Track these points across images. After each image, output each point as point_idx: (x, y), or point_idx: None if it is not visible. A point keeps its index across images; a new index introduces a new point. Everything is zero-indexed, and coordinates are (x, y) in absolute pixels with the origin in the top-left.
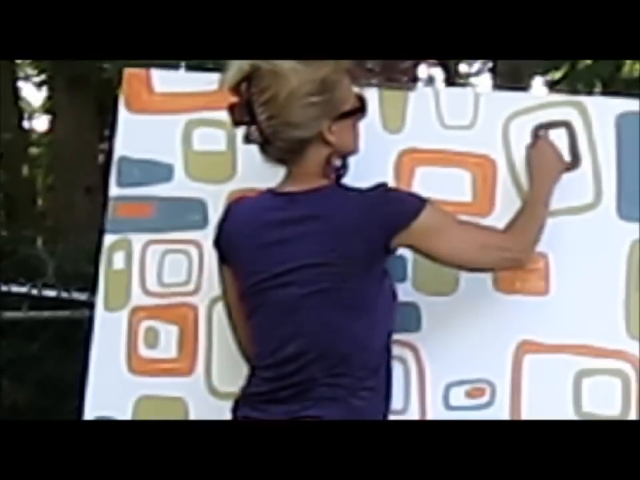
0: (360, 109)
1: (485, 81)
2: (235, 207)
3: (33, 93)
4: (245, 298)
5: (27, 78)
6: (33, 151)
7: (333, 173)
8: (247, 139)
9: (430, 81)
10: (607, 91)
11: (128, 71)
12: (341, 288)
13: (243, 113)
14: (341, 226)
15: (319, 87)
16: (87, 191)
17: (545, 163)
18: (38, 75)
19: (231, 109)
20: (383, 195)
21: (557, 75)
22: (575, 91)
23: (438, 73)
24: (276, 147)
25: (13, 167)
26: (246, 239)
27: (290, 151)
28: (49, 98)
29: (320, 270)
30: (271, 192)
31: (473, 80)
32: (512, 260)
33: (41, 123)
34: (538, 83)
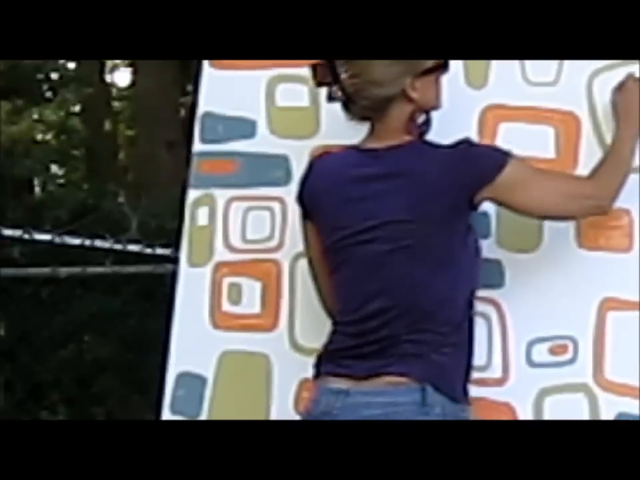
0: (442, 64)
1: None
2: (318, 163)
3: None
4: (328, 254)
5: None
6: (115, 104)
7: (416, 130)
8: (330, 98)
9: None
10: None
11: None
12: (425, 244)
13: (325, 73)
14: (425, 182)
15: None
16: (170, 146)
17: (632, 107)
18: None
19: (314, 69)
20: (466, 150)
21: None
22: None
23: None
24: (359, 105)
25: (95, 121)
26: (329, 195)
27: (373, 108)
28: None
29: (404, 226)
30: (354, 148)
31: None
32: (596, 207)
33: (123, 77)
34: None
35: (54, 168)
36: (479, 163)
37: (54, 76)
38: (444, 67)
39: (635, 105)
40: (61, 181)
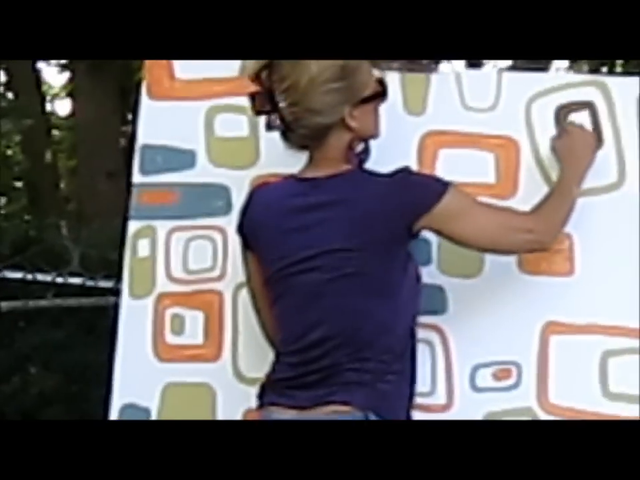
0: (381, 93)
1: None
2: (258, 193)
3: (54, 76)
4: (269, 284)
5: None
6: (56, 134)
7: (355, 158)
8: (269, 127)
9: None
10: (629, 71)
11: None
12: (365, 273)
13: (264, 102)
14: (364, 211)
15: (339, 72)
16: (110, 176)
17: (577, 149)
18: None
19: (252, 98)
20: (405, 179)
21: None
22: (595, 70)
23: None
24: (298, 134)
25: (35, 152)
26: (269, 225)
27: (312, 137)
28: (71, 80)
29: (344, 255)
30: (293, 177)
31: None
32: (535, 242)
33: (63, 106)
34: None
35: None
36: (416, 192)
37: None
38: (382, 95)
39: (580, 146)
40: (2, 211)
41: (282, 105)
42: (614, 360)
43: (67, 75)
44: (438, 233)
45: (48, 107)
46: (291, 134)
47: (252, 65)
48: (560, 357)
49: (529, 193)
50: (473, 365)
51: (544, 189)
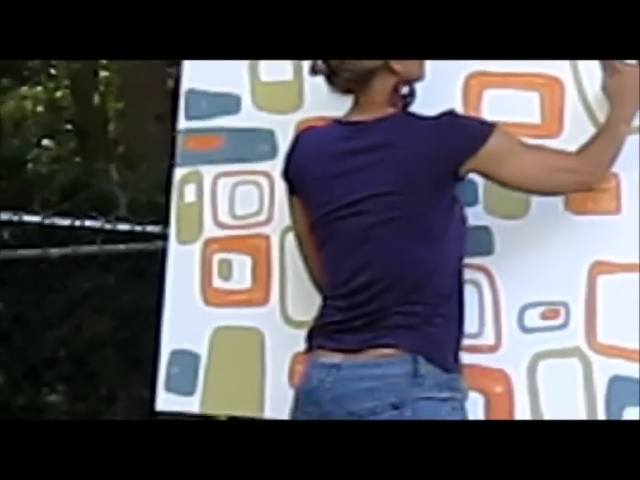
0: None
1: None
2: (303, 138)
3: None
4: (316, 229)
5: None
6: (104, 75)
7: (400, 101)
8: (314, 71)
9: None
10: None
11: None
12: (411, 216)
13: None
14: (410, 154)
15: None
16: (158, 118)
17: (627, 89)
18: None
19: None
20: (451, 122)
21: None
22: None
23: None
24: (342, 78)
25: (83, 95)
26: (315, 170)
27: (356, 81)
28: None
29: (389, 199)
30: (338, 121)
31: None
32: (581, 182)
33: None
34: None
35: (45, 142)
36: (462, 135)
37: None
38: None
39: (630, 87)
40: (52, 154)
41: None
42: None
43: None
44: (483, 175)
45: None
46: (336, 78)
47: None
48: (608, 296)
49: (574, 132)
50: (521, 305)
51: (589, 129)
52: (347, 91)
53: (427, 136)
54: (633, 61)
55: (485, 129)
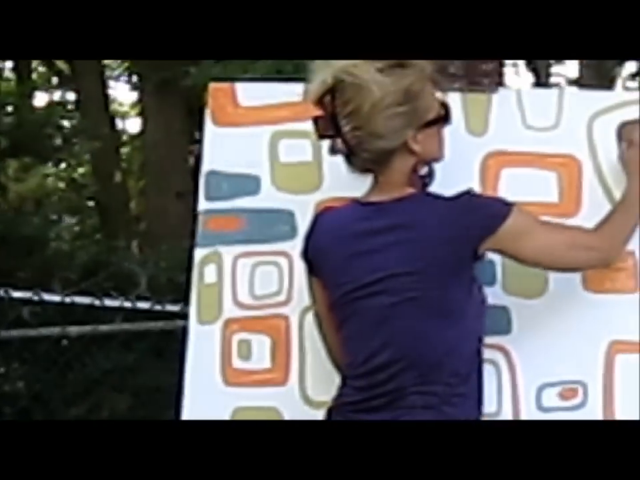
0: (444, 116)
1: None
2: (322, 218)
3: (125, 93)
4: (335, 308)
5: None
6: (125, 151)
7: (419, 181)
8: (333, 151)
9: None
10: None
11: (213, 86)
12: (430, 296)
13: (327, 126)
14: (429, 234)
15: (402, 97)
16: (179, 196)
17: None
18: (128, 77)
19: (315, 122)
20: (469, 201)
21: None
22: None
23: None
24: (361, 158)
25: (105, 172)
26: (334, 250)
27: (375, 161)
28: (140, 100)
29: (409, 279)
30: (357, 202)
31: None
32: (599, 259)
33: (133, 124)
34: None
35: (66, 219)
36: (481, 215)
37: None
38: (446, 119)
39: None
40: (73, 231)
41: (345, 129)
42: None
43: (136, 93)
44: (502, 253)
45: (119, 124)
46: (355, 158)
47: (315, 89)
48: (626, 375)
49: (592, 211)
50: (539, 384)
51: (607, 207)
52: (366, 170)
53: (446, 216)
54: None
55: (504, 208)
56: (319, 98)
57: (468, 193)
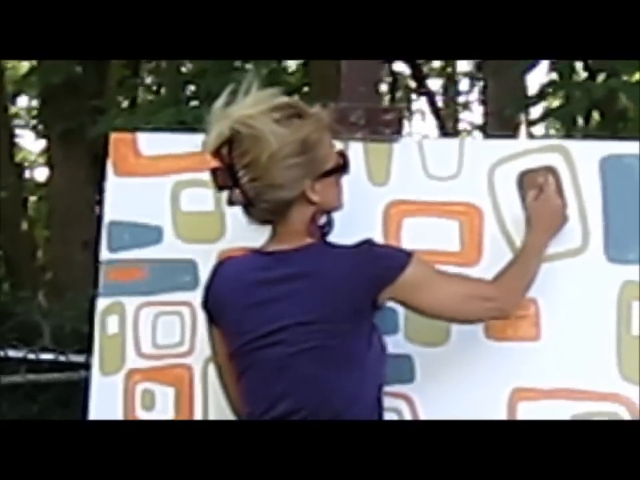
0: (342, 166)
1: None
2: (221, 268)
3: (32, 142)
4: (235, 358)
5: (25, 126)
6: (32, 199)
7: (318, 231)
8: (231, 202)
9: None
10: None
11: (114, 135)
12: (330, 345)
13: (225, 177)
14: (328, 284)
15: (299, 147)
16: (85, 245)
17: (547, 215)
18: (35, 126)
19: (214, 173)
20: (368, 251)
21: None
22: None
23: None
24: (260, 209)
25: (11, 222)
26: (233, 300)
27: (274, 212)
28: (47, 149)
29: (308, 328)
30: (256, 251)
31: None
32: (497, 310)
33: (41, 173)
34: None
35: None
36: (380, 264)
37: None
38: (344, 168)
39: (549, 213)
40: None
41: (243, 180)
42: None
43: (44, 142)
44: (401, 303)
45: (27, 174)
46: (253, 209)
47: (212, 140)
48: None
49: (493, 260)
50: None
51: (508, 256)
52: (265, 221)
53: (345, 266)
54: (552, 186)
55: (403, 257)
56: (216, 149)
57: (367, 243)
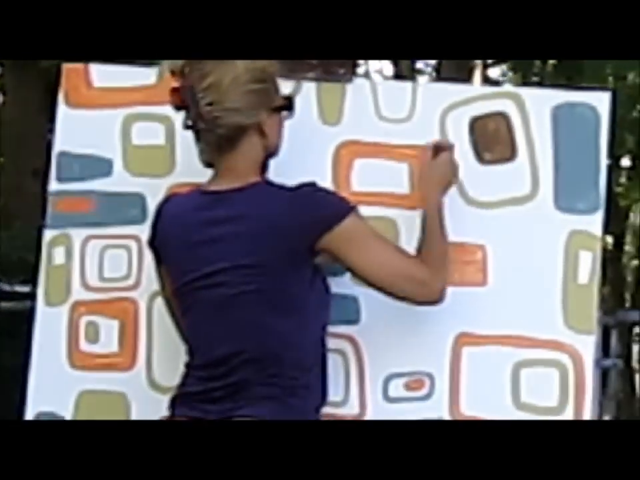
0: (289, 104)
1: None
2: (165, 206)
3: None
4: (178, 296)
5: None
6: None
7: (261, 169)
8: (187, 126)
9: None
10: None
11: (66, 66)
12: (269, 289)
13: (185, 97)
14: (267, 227)
15: (259, 75)
16: (35, 174)
17: (436, 176)
18: None
19: (173, 92)
20: (310, 195)
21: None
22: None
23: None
24: (215, 134)
25: None
26: (176, 239)
27: (228, 138)
28: (0, 76)
29: (249, 270)
30: (199, 190)
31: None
32: (429, 296)
33: None
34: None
35: None
36: (320, 210)
37: None
38: (290, 108)
39: (439, 175)
40: None
41: (202, 102)
42: (526, 371)
43: None
44: (335, 258)
45: None
46: (208, 134)
47: (175, 60)
48: (472, 368)
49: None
50: (386, 375)
51: (457, 200)
52: (208, 165)
53: (285, 208)
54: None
55: (344, 207)
56: (178, 69)
57: (311, 185)
